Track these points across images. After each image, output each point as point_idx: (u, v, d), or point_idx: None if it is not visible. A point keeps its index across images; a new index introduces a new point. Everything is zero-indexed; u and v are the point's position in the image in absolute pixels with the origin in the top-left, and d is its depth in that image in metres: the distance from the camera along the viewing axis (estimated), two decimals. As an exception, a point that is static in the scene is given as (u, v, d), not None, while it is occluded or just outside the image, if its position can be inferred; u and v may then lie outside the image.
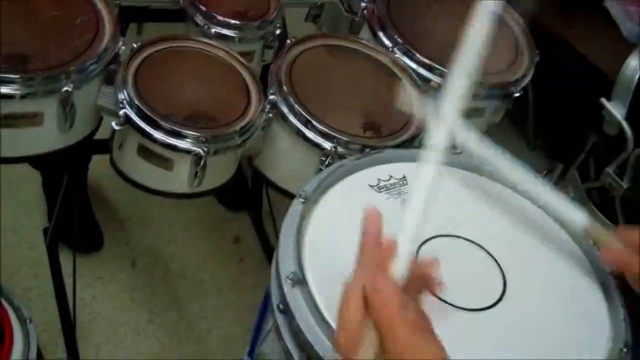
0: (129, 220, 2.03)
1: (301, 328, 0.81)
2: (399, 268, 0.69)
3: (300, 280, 0.84)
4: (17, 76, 1.14)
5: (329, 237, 0.91)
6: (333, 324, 0.78)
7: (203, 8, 1.41)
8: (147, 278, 1.93)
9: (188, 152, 1.21)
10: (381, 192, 1.01)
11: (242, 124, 1.25)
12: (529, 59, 1.62)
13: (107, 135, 1.31)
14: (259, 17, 1.45)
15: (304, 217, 0.91)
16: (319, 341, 0.80)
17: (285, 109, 1.30)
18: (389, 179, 1.02)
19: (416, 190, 0.71)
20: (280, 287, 0.85)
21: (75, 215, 1.91)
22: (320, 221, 0.94)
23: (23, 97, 1.16)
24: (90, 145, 1.58)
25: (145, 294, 1.89)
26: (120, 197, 2.06)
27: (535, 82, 1.66)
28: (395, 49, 1.49)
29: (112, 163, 1.32)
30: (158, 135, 1.21)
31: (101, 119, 1.35)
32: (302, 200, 0.94)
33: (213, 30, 1.40)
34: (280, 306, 0.86)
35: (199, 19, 1.41)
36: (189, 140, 1.21)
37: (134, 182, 1.31)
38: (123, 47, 1.28)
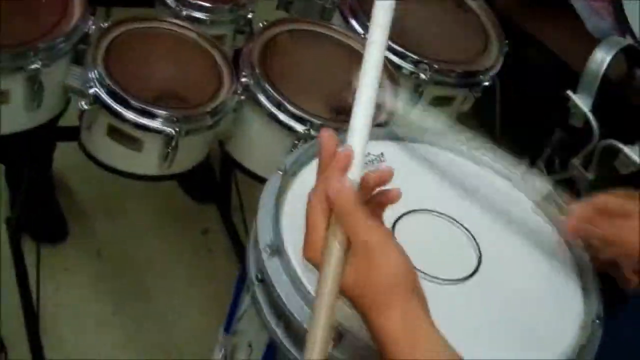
0: (94, 211, 1.99)
1: (280, 297, 0.80)
2: (354, 170, 0.70)
3: (278, 250, 0.83)
4: (-17, 50, 1.12)
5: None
6: (312, 292, 0.77)
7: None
8: (113, 269, 1.89)
9: (159, 132, 1.20)
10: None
11: (214, 105, 1.24)
12: (498, 49, 1.64)
13: (72, 123, 1.30)
14: (231, 0, 1.43)
15: (282, 189, 0.90)
16: (299, 309, 0.79)
17: (257, 92, 1.29)
18: (367, 155, 1.02)
19: (363, 84, 0.72)
20: (259, 258, 0.84)
21: (39, 205, 1.88)
22: (298, 193, 0.93)
23: (-9, 73, 1.13)
24: (55, 132, 1.56)
25: (110, 285, 1.86)
26: (85, 188, 2.02)
27: (502, 78, 1.68)
28: (367, 36, 1.49)
29: (81, 145, 1.30)
30: (128, 114, 1.19)
31: (69, 100, 1.33)
32: (280, 172, 0.93)
33: (184, 12, 1.38)
34: (258, 275, 0.85)
35: (171, 1, 1.39)
36: (159, 119, 1.19)
37: (102, 164, 1.29)
38: (93, 27, 1.26)
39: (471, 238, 0.95)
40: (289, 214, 0.89)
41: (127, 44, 1.27)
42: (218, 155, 1.96)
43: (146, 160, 1.25)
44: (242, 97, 1.28)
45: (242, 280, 0.97)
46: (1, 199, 1.89)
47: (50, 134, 1.49)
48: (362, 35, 1.48)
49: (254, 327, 0.93)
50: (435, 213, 0.97)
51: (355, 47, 1.46)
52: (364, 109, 0.71)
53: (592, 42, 1.78)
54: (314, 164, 0.98)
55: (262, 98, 1.28)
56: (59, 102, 1.29)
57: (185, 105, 1.23)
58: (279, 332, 0.82)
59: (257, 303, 0.85)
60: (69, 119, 1.38)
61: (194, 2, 1.39)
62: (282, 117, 1.27)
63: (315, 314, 0.65)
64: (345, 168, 0.70)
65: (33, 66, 1.16)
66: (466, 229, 0.96)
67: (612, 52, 1.54)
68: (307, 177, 0.97)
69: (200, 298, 1.89)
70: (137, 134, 1.21)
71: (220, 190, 2.07)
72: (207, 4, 1.40)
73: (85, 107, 1.20)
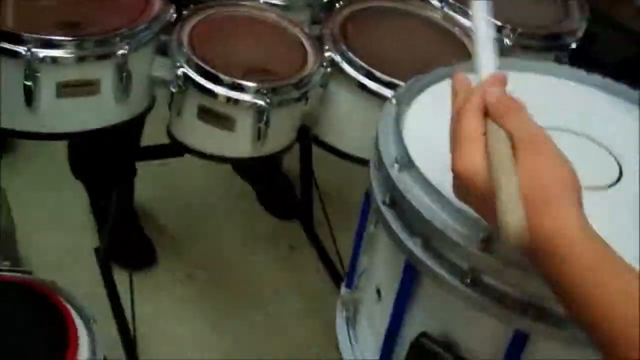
0: (180, 235, 1.98)
1: (417, 209, 0.74)
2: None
3: (407, 164, 0.77)
4: (71, 38, 1.11)
5: (426, 131, 0.85)
6: (450, 199, 0.71)
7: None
8: (205, 290, 1.86)
9: (250, 105, 1.17)
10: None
11: (302, 75, 1.21)
12: (580, 14, 1.58)
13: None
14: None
15: (399, 116, 0.85)
16: (439, 218, 0.73)
17: (343, 63, 1.26)
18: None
19: (479, 24, 0.73)
20: (385, 180, 0.79)
21: (126, 233, 1.86)
22: (415, 116, 0.88)
23: (80, 60, 1.12)
24: (136, 151, 1.56)
25: (204, 305, 1.82)
26: (168, 214, 2.02)
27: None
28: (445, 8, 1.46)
29: (170, 134, 1.27)
30: (219, 89, 1.16)
31: (154, 98, 1.31)
32: (394, 102, 0.88)
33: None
34: (386, 201, 0.80)
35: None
36: (250, 93, 1.17)
37: (194, 150, 1.26)
38: (174, 16, 1.25)
39: (609, 153, 0.88)
40: (409, 133, 0.83)
41: (210, 27, 1.26)
42: (297, 171, 1.95)
43: (239, 140, 1.22)
44: (328, 70, 1.25)
45: (361, 230, 0.92)
46: (89, 230, 1.90)
47: (136, 136, 1.47)
48: (441, 6, 1.45)
49: (382, 266, 0.87)
50: (567, 131, 0.90)
51: (433, 18, 1.42)
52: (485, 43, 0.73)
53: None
54: (427, 92, 0.94)
55: (349, 69, 1.25)
56: (147, 95, 1.28)
57: (274, 78, 1.20)
58: (417, 251, 0.76)
59: (390, 230, 0.78)
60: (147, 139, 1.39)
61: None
62: (372, 85, 1.24)
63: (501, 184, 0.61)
64: (500, 83, 0.68)
65: (120, 52, 1.15)
66: (604, 146, 0.89)
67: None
68: (423, 103, 0.92)
69: (292, 313, 1.85)
70: (229, 110, 1.18)
71: (302, 205, 2.03)
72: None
73: (175, 90, 1.18)
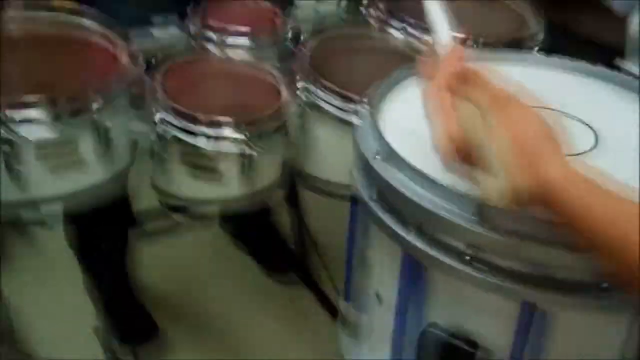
0: (181, 303, 1.95)
1: (405, 195, 0.74)
2: None
3: (389, 153, 0.78)
4: (45, 97, 1.12)
5: (400, 126, 0.86)
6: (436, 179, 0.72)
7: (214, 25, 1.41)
8: (214, 351, 1.83)
9: (231, 141, 1.17)
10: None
11: (276, 106, 1.22)
12: (536, 20, 1.61)
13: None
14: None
15: (374, 114, 0.86)
16: (428, 199, 0.73)
17: (318, 92, 1.27)
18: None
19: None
20: (370, 174, 0.79)
21: (124, 308, 1.84)
22: (390, 116, 0.89)
23: (56, 118, 1.13)
24: (127, 215, 1.55)
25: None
26: (165, 284, 2.00)
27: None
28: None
29: (156, 188, 1.27)
30: (199, 129, 1.17)
31: (134, 155, 1.31)
32: (367, 107, 0.89)
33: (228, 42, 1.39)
34: (373, 196, 0.79)
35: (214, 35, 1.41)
36: (229, 128, 1.17)
37: (181, 199, 1.25)
38: (144, 68, 1.26)
39: (586, 125, 0.89)
40: (385, 129, 0.84)
41: (181, 75, 1.28)
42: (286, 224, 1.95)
43: (225, 180, 1.22)
44: (303, 98, 1.26)
45: (351, 237, 0.92)
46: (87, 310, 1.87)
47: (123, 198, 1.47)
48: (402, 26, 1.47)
49: (377, 269, 0.86)
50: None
51: (393, 44, 1.45)
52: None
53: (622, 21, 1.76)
54: (394, 93, 0.95)
55: (324, 96, 1.26)
56: (126, 151, 1.28)
57: (250, 112, 1.21)
58: (412, 239, 0.75)
59: (381, 223, 0.78)
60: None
61: (236, 30, 1.40)
62: (348, 108, 1.24)
63: None
64: (460, 58, 0.72)
65: (94, 106, 1.15)
66: (579, 119, 0.90)
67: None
68: (392, 103, 0.93)
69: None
70: (211, 150, 1.18)
71: (298, 256, 2.02)
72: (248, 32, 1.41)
73: (154, 138, 1.19)
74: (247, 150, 1.18)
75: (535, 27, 1.58)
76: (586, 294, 0.66)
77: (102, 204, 1.39)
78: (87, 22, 1.30)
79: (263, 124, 1.20)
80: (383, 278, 0.85)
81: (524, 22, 1.60)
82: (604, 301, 0.70)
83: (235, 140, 1.17)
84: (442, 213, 0.71)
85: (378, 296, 0.86)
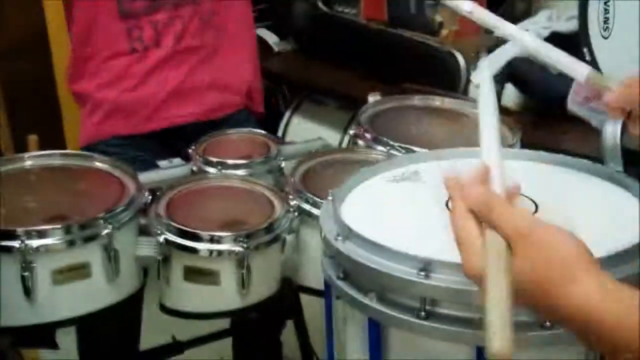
0: None
1: (363, 264, 0.83)
2: (496, 183, 0.71)
3: (348, 233, 0.87)
4: (59, 226, 1.25)
5: (363, 211, 0.96)
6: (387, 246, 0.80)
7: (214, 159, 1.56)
8: None
9: (230, 253, 1.28)
10: (401, 182, 1.07)
11: (271, 220, 1.34)
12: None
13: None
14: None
15: (335, 203, 0.97)
16: (384, 265, 0.82)
17: (310, 208, 1.38)
18: (402, 174, 1.09)
19: (483, 108, 0.77)
20: (335, 256, 0.89)
21: None
22: (352, 205, 0.99)
23: (70, 244, 1.25)
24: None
25: None
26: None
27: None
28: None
29: (164, 308, 1.37)
30: (200, 245, 1.29)
31: (142, 279, 1.42)
32: (330, 198, 1.00)
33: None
34: (340, 275, 0.89)
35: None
36: (228, 242, 1.29)
37: (186, 315, 1.35)
38: (150, 198, 1.40)
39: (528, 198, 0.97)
40: (348, 217, 0.94)
41: (183, 199, 1.41)
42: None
43: (225, 292, 1.32)
44: (296, 214, 1.38)
45: (328, 315, 1.00)
46: None
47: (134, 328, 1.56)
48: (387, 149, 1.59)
49: (352, 341, 0.93)
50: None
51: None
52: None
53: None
54: (360, 187, 1.06)
55: (315, 212, 1.37)
56: (136, 275, 1.38)
57: (247, 227, 1.33)
58: (374, 304, 0.83)
59: (352, 300, 0.86)
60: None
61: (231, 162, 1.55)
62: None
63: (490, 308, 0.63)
64: (482, 180, 0.71)
65: (104, 232, 1.27)
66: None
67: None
68: (357, 196, 1.03)
69: None
70: (212, 263, 1.29)
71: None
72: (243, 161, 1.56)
73: (160, 257, 1.30)
74: (245, 261, 1.29)
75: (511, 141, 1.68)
76: (532, 331, 0.72)
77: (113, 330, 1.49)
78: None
79: (259, 236, 1.31)
80: (357, 348, 0.92)
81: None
82: (554, 336, 0.75)
83: (233, 252, 1.28)
84: (395, 272, 0.80)
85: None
